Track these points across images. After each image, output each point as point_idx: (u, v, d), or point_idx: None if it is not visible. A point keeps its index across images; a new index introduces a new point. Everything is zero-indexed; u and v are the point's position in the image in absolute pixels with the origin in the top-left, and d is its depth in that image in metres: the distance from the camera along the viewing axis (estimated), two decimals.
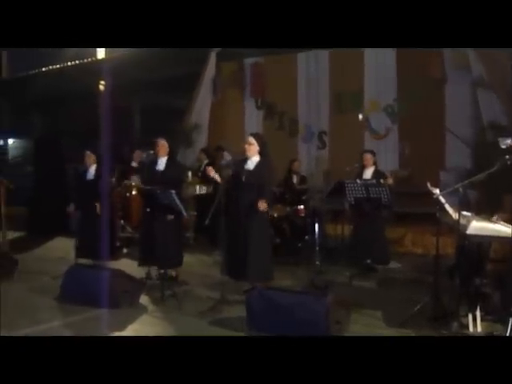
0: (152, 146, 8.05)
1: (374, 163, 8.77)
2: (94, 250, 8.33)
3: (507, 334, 4.46)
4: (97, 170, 8.82)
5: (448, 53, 10.95)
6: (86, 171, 8.89)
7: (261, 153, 7.13)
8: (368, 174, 8.66)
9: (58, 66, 17.77)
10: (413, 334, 5.56)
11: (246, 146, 7.12)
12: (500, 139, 4.96)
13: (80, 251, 8.71)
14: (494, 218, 5.52)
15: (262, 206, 6.81)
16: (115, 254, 9.35)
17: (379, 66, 12.28)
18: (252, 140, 7.13)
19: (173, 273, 7.85)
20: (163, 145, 7.84)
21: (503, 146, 4.92)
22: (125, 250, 10.32)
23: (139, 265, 7.91)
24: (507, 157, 4.97)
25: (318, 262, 8.34)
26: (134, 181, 10.36)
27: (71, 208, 8.96)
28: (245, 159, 7.16)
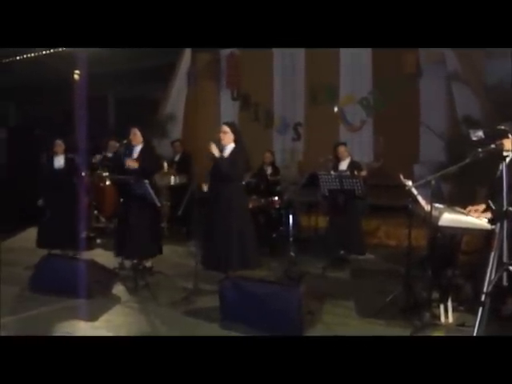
0: (126, 136, 8.00)
1: (349, 154, 8.83)
2: (55, 239, 8.34)
3: (476, 324, 4.50)
4: (66, 160, 8.70)
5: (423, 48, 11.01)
6: (53, 160, 8.74)
7: (235, 140, 7.08)
8: (344, 165, 8.73)
9: (32, 54, 17.55)
10: (385, 325, 5.62)
11: (221, 135, 7.07)
12: (471, 131, 4.97)
13: (39, 241, 8.63)
14: (467, 210, 5.56)
15: None
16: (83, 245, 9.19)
17: (355, 60, 12.32)
18: (226, 128, 7.08)
19: (148, 263, 7.83)
20: (135, 133, 7.76)
21: (474, 138, 4.93)
22: (98, 241, 10.26)
23: (116, 255, 7.84)
24: (479, 150, 5.00)
25: (292, 253, 8.35)
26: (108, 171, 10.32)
27: (40, 203, 8.72)
28: (220, 148, 7.11)
